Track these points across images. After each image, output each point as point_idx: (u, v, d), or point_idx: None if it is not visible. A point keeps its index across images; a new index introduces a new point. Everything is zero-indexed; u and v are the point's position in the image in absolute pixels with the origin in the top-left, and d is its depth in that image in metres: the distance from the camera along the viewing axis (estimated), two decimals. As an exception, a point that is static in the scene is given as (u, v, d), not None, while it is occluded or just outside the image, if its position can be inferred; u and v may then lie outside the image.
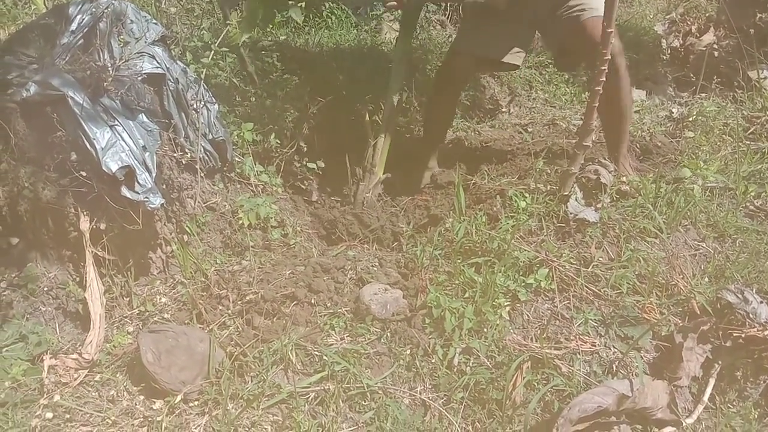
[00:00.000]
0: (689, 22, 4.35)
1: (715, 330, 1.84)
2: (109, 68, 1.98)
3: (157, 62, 2.12)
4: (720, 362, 1.82)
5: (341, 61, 3.64)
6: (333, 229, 2.70)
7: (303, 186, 3.02)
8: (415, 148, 3.33)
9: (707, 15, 4.37)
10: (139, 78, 2.07)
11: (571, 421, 1.57)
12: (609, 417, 1.64)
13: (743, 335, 1.80)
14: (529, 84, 4.12)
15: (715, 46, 4.00)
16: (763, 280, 2.04)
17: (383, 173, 2.87)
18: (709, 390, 1.79)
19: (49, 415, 1.65)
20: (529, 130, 3.56)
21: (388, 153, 2.87)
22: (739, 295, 1.87)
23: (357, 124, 3.22)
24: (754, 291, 1.91)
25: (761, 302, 1.86)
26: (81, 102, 1.88)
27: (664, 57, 4.14)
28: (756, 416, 1.77)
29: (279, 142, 2.82)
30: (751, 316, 1.82)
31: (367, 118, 2.99)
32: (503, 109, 4.00)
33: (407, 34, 2.97)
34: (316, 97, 3.13)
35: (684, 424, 1.71)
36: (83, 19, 2.03)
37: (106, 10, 2.07)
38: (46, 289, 1.95)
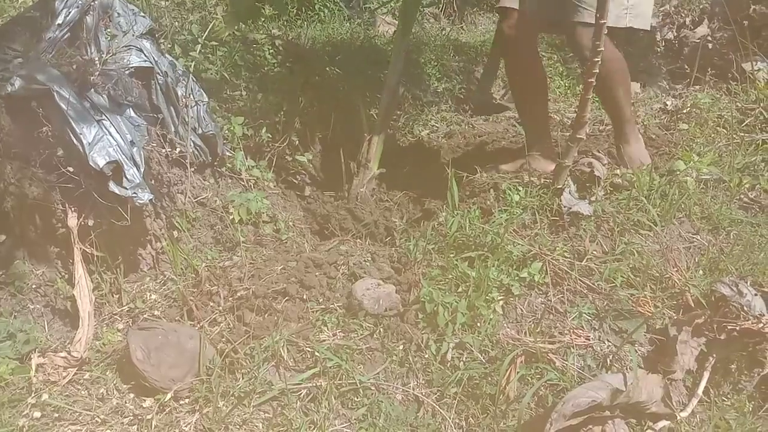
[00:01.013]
0: (683, 15, 4.33)
1: (709, 323, 1.83)
2: (96, 62, 1.96)
3: (145, 56, 2.10)
4: (714, 355, 1.81)
5: (334, 55, 3.61)
6: (326, 224, 2.69)
7: (295, 180, 3.00)
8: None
9: (701, 7, 4.35)
10: (127, 72, 2.04)
11: (564, 415, 1.56)
12: (603, 411, 1.63)
13: (737, 328, 1.79)
14: (523, 77, 4.09)
15: (709, 38, 3.98)
16: (757, 272, 2.03)
17: (378, 168, 2.85)
18: (703, 383, 1.78)
19: (38, 414, 1.63)
20: (523, 123, 3.54)
21: (383, 148, 2.85)
22: (734, 288, 1.86)
23: (352, 118, 3.20)
24: (748, 283, 1.90)
25: (755, 295, 1.85)
26: (67, 97, 1.86)
27: (659, 49, 4.13)
28: (750, 409, 1.77)
29: (270, 136, 2.79)
30: (745, 308, 1.81)
31: (363, 112, 2.97)
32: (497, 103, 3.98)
33: (407, 27, 2.92)
34: (309, 90, 3.10)
35: (678, 417, 1.70)
36: (69, 13, 2.00)
37: (92, 4, 2.04)
38: (33, 286, 1.93)
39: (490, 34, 4.53)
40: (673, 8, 4.43)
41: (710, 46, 3.92)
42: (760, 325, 1.77)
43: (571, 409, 1.57)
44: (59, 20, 2.01)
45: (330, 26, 4.17)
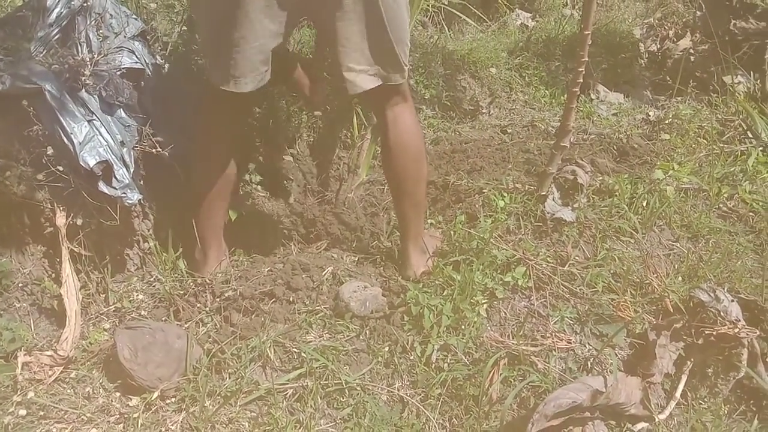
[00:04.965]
0: (667, 27, 4.41)
1: (687, 328, 1.87)
2: (88, 62, 1.96)
3: (137, 57, 2.10)
4: (692, 359, 1.85)
5: (323, 60, 3.63)
6: (312, 227, 2.70)
7: (283, 183, 3.01)
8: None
9: (684, 20, 4.44)
10: (118, 73, 2.04)
11: (546, 416, 1.59)
12: (583, 412, 1.66)
13: (714, 333, 1.83)
14: (509, 86, 4.15)
15: (692, 51, 4.07)
16: (734, 279, 2.09)
17: (367, 174, 2.87)
18: (681, 386, 1.82)
19: (23, 412, 1.63)
20: (509, 131, 3.59)
21: (373, 155, 2.88)
22: (711, 294, 1.90)
23: (341, 123, 3.21)
24: (725, 290, 1.95)
25: (732, 301, 1.90)
26: (58, 96, 1.86)
27: (642, 61, 4.20)
28: (726, 412, 1.82)
29: (259, 139, 2.80)
30: (722, 314, 1.86)
31: (353, 118, 2.99)
32: (483, 110, 4.03)
33: None
34: (297, 95, 3.11)
35: (657, 419, 1.74)
36: (61, 12, 2.00)
37: (84, 4, 2.05)
38: (20, 285, 1.92)
39: (477, 42, 4.59)
40: (656, 21, 4.51)
41: (692, 59, 4.00)
42: (736, 330, 1.82)
43: (553, 410, 1.60)
44: (51, 19, 2.01)
45: (319, 32, 4.19)
